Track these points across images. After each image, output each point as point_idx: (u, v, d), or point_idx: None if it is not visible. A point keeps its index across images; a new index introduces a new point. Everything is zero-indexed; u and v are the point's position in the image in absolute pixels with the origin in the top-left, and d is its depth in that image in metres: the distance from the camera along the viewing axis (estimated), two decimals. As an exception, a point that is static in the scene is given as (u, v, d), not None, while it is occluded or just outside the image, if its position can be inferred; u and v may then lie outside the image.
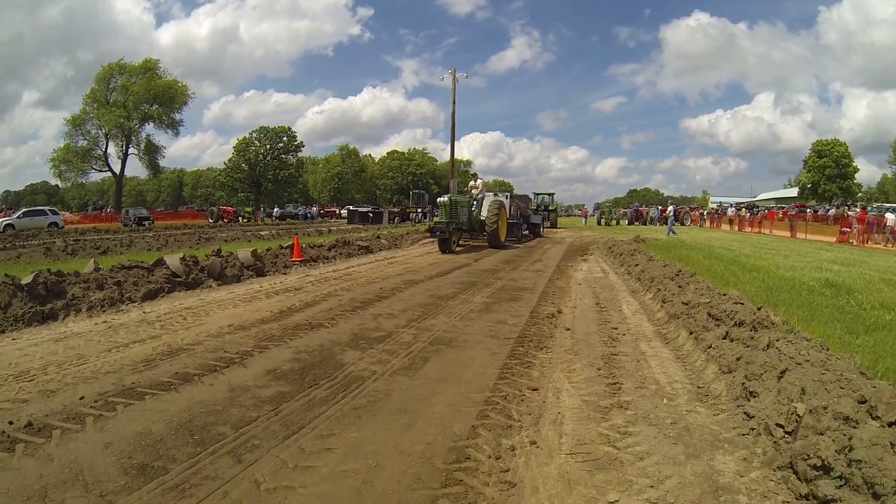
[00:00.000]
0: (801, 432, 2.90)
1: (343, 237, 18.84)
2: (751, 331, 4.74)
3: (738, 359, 4.26)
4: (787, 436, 3.01)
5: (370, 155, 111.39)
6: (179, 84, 73.12)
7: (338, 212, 70.63)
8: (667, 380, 4.59)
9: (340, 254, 15.02)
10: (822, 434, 2.76)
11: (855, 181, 73.19)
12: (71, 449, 3.23)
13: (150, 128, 72.66)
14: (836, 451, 2.59)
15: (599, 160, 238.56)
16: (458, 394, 4.23)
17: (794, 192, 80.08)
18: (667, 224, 33.49)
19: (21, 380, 4.56)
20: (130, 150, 71.84)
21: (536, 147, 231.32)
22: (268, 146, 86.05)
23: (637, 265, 11.61)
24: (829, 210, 48.82)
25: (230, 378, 4.52)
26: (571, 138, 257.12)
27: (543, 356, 5.36)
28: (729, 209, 60.55)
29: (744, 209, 57.03)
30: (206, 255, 10.76)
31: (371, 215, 48.82)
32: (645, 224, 53.20)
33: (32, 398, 4.10)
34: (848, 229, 26.97)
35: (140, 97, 68.82)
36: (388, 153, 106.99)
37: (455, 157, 46.68)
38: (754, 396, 3.62)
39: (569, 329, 6.53)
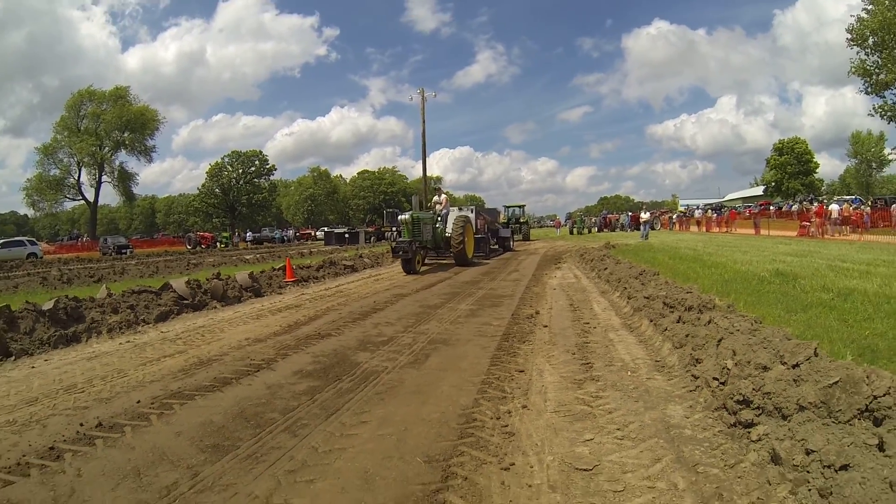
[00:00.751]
0: (729, 381, 3.79)
1: (329, 258, 19.63)
2: (698, 313, 5.70)
3: (686, 335, 5.20)
4: (721, 385, 3.89)
5: (341, 175, 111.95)
6: (150, 110, 72.97)
7: (313, 234, 71.12)
8: (630, 358, 5.49)
9: (328, 273, 15.86)
10: (744, 379, 3.64)
11: (817, 176, 75.05)
12: (146, 439, 3.90)
13: (122, 155, 72.51)
14: (753, 388, 3.46)
15: (569, 170, 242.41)
16: (458, 378, 5.07)
17: (759, 190, 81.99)
18: (640, 229, 34.57)
19: (72, 392, 5.19)
20: (104, 178, 71.52)
21: (506, 160, 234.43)
22: (240, 170, 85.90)
23: (606, 269, 12.60)
24: (792, 206, 50.31)
25: (264, 379, 5.29)
26: (540, 150, 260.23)
27: (526, 347, 6.24)
28: (696, 211, 62.16)
29: (709, 211, 58.59)
30: (207, 279, 11.45)
31: (347, 236, 49.41)
32: (614, 230, 54.35)
33: (91, 405, 4.74)
34: (807, 223, 28.18)
35: (111, 124, 68.79)
36: (358, 173, 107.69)
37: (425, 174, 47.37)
38: (699, 362, 4.51)
39: (546, 326, 7.42)
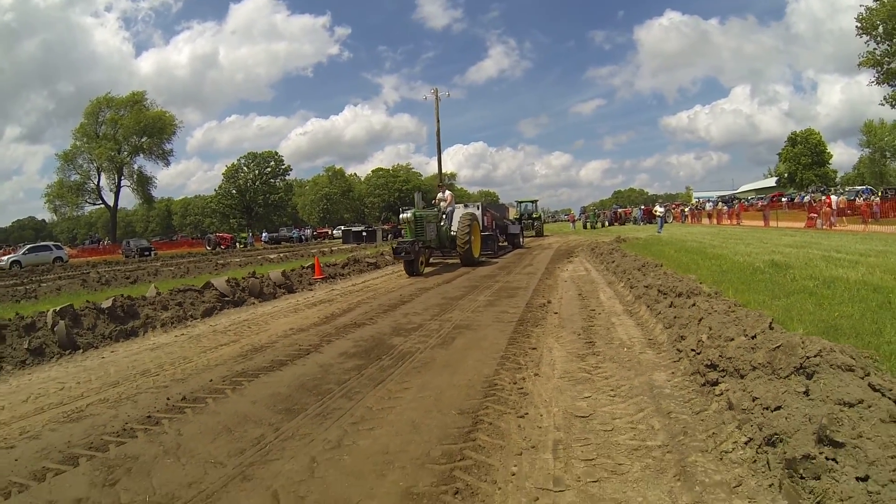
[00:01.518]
0: (703, 350, 4.65)
1: (352, 256, 20.56)
2: (686, 298, 6.56)
3: (675, 317, 6.08)
4: (696, 354, 4.76)
5: (356, 174, 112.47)
6: (167, 114, 74.10)
7: (330, 232, 72.04)
8: (627, 337, 6.39)
9: (353, 270, 16.85)
10: (714, 348, 4.51)
11: (831, 167, 75.02)
12: (228, 407, 4.79)
13: (140, 159, 73.60)
14: (719, 355, 4.33)
15: (583, 163, 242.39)
16: (481, 355, 5.99)
17: (773, 181, 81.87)
18: (651, 223, 35.11)
19: (148, 375, 6.08)
20: (123, 182, 72.68)
21: (520, 155, 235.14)
22: (256, 171, 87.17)
23: (614, 262, 13.51)
24: (804, 197, 50.55)
25: (314, 360, 6.21)
26: (554, 144, 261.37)
27: (538, 330, 7.16)
28: (707, 204, 62.54)
29: (720, 203, 58.98)
30: (243, 278, 12.42)
31: (365, 234, 50.21)
32: (623, 224, 54.73)
33: (170, 385, 5.62)
34: (815, 215, 28.73)
35: (129, 129, 69.88)
36: (373, 171, 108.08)
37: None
38: (683, 339, 5.38)
39: (556, 313, 8.33)
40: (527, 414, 4.17)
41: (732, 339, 4.47)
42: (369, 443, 3.77)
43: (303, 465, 3.47)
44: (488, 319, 8.16)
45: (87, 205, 75.28)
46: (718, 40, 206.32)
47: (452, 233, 18.17)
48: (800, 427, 2.97)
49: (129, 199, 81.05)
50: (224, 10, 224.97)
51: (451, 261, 19.19)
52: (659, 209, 39.04)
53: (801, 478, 2.67)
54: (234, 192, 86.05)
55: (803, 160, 72.11)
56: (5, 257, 40.24)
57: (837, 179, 77.52)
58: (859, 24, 43.51)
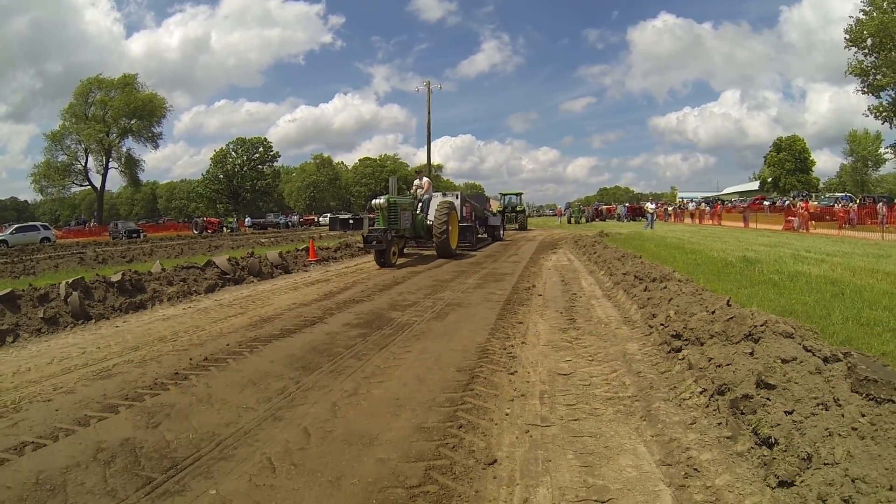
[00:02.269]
0: (670, 324, 5.31)
1: (343, 241, 21.08)
2: (659, 282, 7.23)
3: (648, 299, 6.76)
4: (664, 327, 5.42)
5: (343, 162, 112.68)
6: (158, 97, 74.12)
7: (316, 219, 72.42)
8: (605, 316, 7.07)
9: (345, 254, 17.54)
10: (679, 322, 5.17)
11: (813, 174, 76.30)
12: (248, 365, 5.34)
13: (129, 141, 73.70)
14: (683, 327, 4.98)
15: (570, 160, 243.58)
16: (473, 327, 6.64)
17: (756, 185, 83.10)
18: (634, 220, 35.79)
19: (166, 341, 6.56)
20: (111, 165, 72.75)
21: (507, 149, 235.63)
22: (245, 157, 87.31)
23: (596, 253, 14.22)
24: (785, 202, 51.54)
25: (321, 329, 6.80)
26: (542, 139, 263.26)
27: (524, 309, 7.82)
28: (690, 204, 63.56)
29: (703, 204, 60.01)
30: (242, 257, 12.95)
31: (352, 222, 50.58)
32: (604, 220, 55.56)
33: (189, 348, 6.13)
34: (793, 218, 29.63)
35: (119, 111, 69.94)
36: (360, 160, 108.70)
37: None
38: (654, 316, 6.03)
39: (541, 295, 8.99)
40: (516, 372, 4.82)
41: (695, 315, 5.14)
42: (381, 392, 4.38)
43: (325, 408, 4.05)
44: (478, 299, 8.80)
45: (74, 186, 75.13)
46: (711, 44, 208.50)
47: (429, 222, 17.25)
48: (744, 378, 3.60)
49: (113, 182, 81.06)
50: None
51: (426, 252, 18.45)
52: (650, 206, 39.76)
53: (742, 413, 3.33)
54: (221, 176, 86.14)
55: (787, 166, 73.42)
56: (-6, 236, 40.32)
57: (820, 186, 78.80)
58: (848, 37, 44.45)
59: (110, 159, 72.45)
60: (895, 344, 4.58)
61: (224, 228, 59.75)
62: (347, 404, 4.12)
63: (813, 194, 60.49)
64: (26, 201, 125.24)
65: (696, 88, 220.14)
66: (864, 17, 43.30)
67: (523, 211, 44.34)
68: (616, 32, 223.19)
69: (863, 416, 2.78)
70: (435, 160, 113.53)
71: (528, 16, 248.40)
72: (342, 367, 5.13)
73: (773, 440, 2.95)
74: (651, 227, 32.16)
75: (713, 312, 4.93)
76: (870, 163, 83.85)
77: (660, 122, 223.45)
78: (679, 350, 4.81)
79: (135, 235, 48.13)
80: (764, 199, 61.40)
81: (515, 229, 39.28)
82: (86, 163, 72.08)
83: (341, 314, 7.76)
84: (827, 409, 2.96)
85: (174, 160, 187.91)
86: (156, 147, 77.13)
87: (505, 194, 46.32)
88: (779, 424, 3.02)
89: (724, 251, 13.92)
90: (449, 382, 4.55)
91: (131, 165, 74.30)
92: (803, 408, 3.05)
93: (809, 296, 7.08)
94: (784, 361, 3.55)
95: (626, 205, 67.29)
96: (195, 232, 55.74)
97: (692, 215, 49.18)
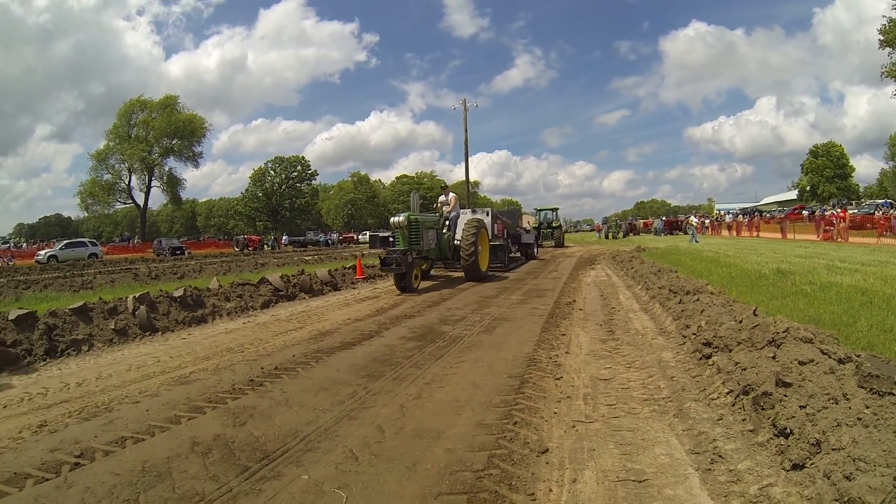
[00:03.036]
0: (701, 333, 5.80)
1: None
2: (693, 295, 7.70)
3: (682, 311, 7.23)
4: (696, 336, 5.90)
5: (380, 180, 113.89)
6: (198, 117, 76.54)
7: (355, 237, 73.34)
8: (642, 328, 7.56)
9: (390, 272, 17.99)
10: (709, 331, 5.65)
11: (853, 180, 74.74)
12: (317, 374, 5.92)
13: (171, 161, 76.22)
14: (712, 335, 5.47)
15: (606, 174, 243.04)
16: (520, 339, 7.19)
17: (794, 194, 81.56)
18: (671, 234, 35.62)
19: (234, 352, 7.15)
20: (153, 183, 75.36)
21: (543, 164, 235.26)
22: (283, 175, 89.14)
23: (633, 268, 14.69)
24: (824, 210, 50.73)
25: (379, 342, 7.40)
26: (577, 153, 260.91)
27: (566, 322, 8.35)
28: (727, 216, 62.97)
29: (740, 216, 59.42)
30: (293, 275, 13.66)
31: (391, 239, 51.24)
32: (637, 234, 55.31)
33: (257, 359, 6.70)
34: (830, 227, 29.46)
35: (161, 132, 72.72)
36: (397, 177, 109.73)
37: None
38: (688, 327, 6.52)
39: (581, 309, 9.50)
40: (561, 377, 5.36)
41: (724, 324, 5.63)
42: (443, 395, 4.95)
43: (394, 409, 4.62)
44: (522, 314, 9.35)
45: (118, 204, 77.92)
46: (744, 51, 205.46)
47: (456, 241, 15.79)
48: (766, 379, 4.08)
49: (154, 200, 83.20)
50: (254, 16, 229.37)
51: (455, 274, 17.29)
52: (694, 220, 39.55)
53: (762, 409, 3.82)
54: (260, 195, 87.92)
55: (826, 173, 72.06)
56: (42, 252, 41.97)
57: (861, 192, 77.29)
58: (882, 38, 43.88)
59: (153, 178, 74.98)
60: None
61: (265, 246, 61.02)
62: (414, 406, 4.69)
63: (854, 201, 59.60)
64: (70, 218, 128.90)
65: (730, 96, 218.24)
66: (897, 16, 42.69)
67: (560, 227, 42.42)
68: (648, 43, 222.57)
69: (867, 407, 3.24)
70: (472, 177, 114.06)
71: (559, 29, 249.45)
72: (404, 374, 5.71)
73: (789, 431, 3.43)
74: (696, 241, 31.73)
75: (741, 321, 5.42)
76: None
77: (695, 133, 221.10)
78: (709, 357, 5.29)
79: (178, 252, 49.69)
80: (803, 208, 60.54)
81: (552, 246, 38.47)
82: (129, 181, 74.79)
83: (396, 328, 8.36)
84: (836, 403, 3.42)
85: (213, 178, 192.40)
86: (196, 166, 79.83)
87: (540, 210, 44.81)
88: (793, 417, 3.49)
89: (759, 263, 14.17)
90: (502, 387, 5.10)
91: (173, 184, 76.96)
92: (816, 402, 3.52)
93: (838, 305, 7.39)
94: (802, 363, 4.02)
95: (663, 218, 67.12)
96: (236, 249, 57.07)
97: (729, 227, 48.80)
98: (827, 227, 29.69)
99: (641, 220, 71.42)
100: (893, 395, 3.27)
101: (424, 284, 15.01)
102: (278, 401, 4.99)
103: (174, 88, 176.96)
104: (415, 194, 17.08)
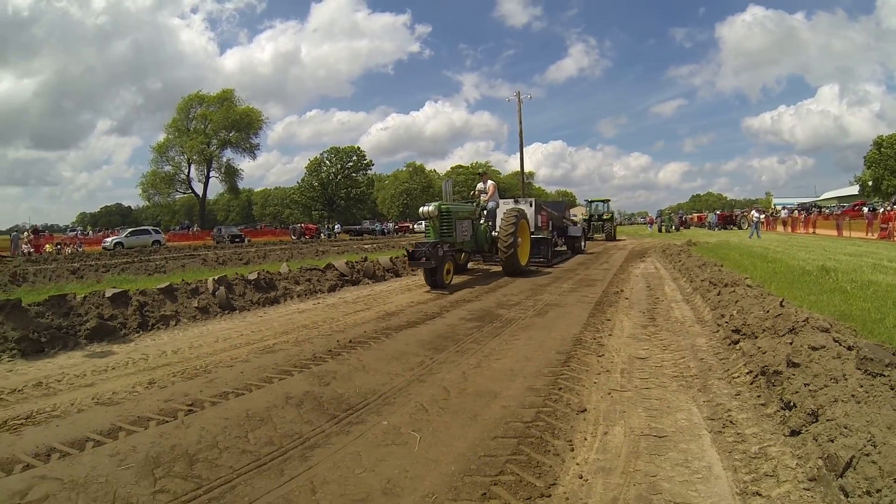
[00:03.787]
0: (732, 321, 6.44)
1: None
2: (730, 287, 8.29)
3: (719, 302, 7.85)
4: (728, 324, 6.54)
5: (435, 170, 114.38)
6: (255, 110, 78.32)
7: (411, 226, 74.36)
8: (682, 316, 8.22)
9: (448, 260, 18.82)
10: (738, 319, 6.29)
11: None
12: (388, 346, 6.77)
13: (228, 152, 78.16)
14: (741, 323, 6.12)
15: (662, 165, 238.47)
16: (569, 322, 7.96)
17: (856, 189, 78.45)
18: (725, 228, 35.13)
19: (309, 328, 8.02)
20: (211, 174, 77.56)
21: (598, 155, 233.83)
22: (339, 165, 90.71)
23: (681, 262, 15.29)
24: (873, 207, 48.98)
25: (441, 322, 8.24)
26: (633, 144, 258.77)
27: (612, 309, 9.05)
28: (783, 212, 61.55)
29: (796, 211, 58.09)
30: (357, 261, 14.56)
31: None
32: (688, 228, 54.72)
33: (332, 334, 7.56)
34: (886, 225, 28.83)
35: (218, 124, 74.62)
36: (452, 167, 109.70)
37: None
38: (723, 316, 7.15)
39: (627, 298, 10.18)
40: (603, 355, 6.11)
41: (753, 313, 6.26)
42: (499, 365, 5.75)
43: (457, 375, 5.44)
44: (572, 301, 10.11)
45: (178, 193, 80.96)
46: (805, 36, 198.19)
47: (494, 233, 15.01)
48: (781, 362, 4.73)
49: (211, 189, 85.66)
50: (306, 10, 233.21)
51: (494, 267, 16.25)
52: (755, 214, 39.03)
53: (773, 385, 4.50)
54: (315, 184, 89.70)
55: (890, 164, 68.24)
56: (109, 238, 44.03)
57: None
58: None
59: (211, 168, 77.54)
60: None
61: (321, 234, 62.57)
62: (474, 373, 5.50)
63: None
64: (129, 207, 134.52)
65: (790, 85, 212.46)
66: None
67: (611, 219, 41.26)
68: (704, 30, 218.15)
69: (861, 386, 3.87)
70: (527, 167, 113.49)
71: (612, 17, 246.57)
72: (465, 348, 6.52)
73: (793, 404, 4.09)
74: (758, 236, 31.45)
75: (767, 311, 6.05)
76: None
77: (753, 123, 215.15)
78: (737, 342, 5.95)
79: (237, 240, 51.55)
80: (864, 204, 58.54)
81: (601, 239, 37.87)
82: (188, 172, 77.47)
83: (456, 311, 9.19)
84: (837, 382, 4.05)
85: (268, 168, 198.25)
86: (253, 157, 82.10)
87: (592, 201, 44.31)
88: (797, 392, 4.15)
89: (805, 260, 14.45)
90: (550, 360, 5.87)
91: (231, 174, 79.12)
92: (819, 381, 4.15)
93: (872, 302, 7.80)
94: (813, 349, 4.64)
95: (717, 212, 66.28)
96: (293, 237, 58.53)
97: (784, 223, 48.00)
98: (882, 225, 29.13)
99: (695, 214, 70.49)
100: (884, 376, 3.90)
101: (473, 274, 15.47)
102: (356, 367, 5.82)
103: (229, 82, 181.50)
104: (447, 182, 16.22)
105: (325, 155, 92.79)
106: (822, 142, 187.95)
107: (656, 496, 3.08)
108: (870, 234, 29.84)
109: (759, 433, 3.94)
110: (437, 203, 13.30)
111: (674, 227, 55.27)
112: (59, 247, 41.24)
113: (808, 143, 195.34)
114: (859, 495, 2.76)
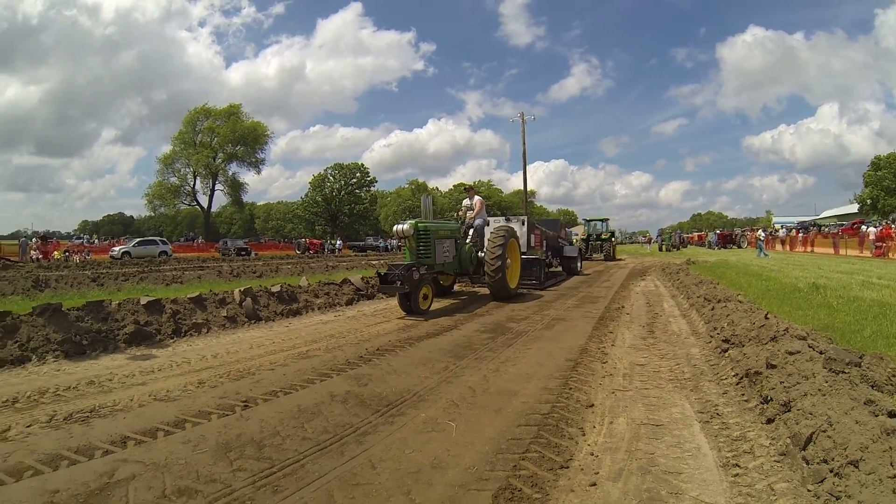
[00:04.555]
0: (722, 333, 7.19)
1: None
2: (723, 303, 9.05)
3: (712, 316, 8.60)
4: (719, 335, 7.28)
5: (437, 188, 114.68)
6: (261, 125, 79.33)
7: (413, 243, 74.86)
8: (678, 329, 8.97)
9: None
10: (728, 330, 7.03)
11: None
12: (413, 353, 7.45)
13: (233, 166, 79.16)
14: (731, 334, 6.86)
15: (663, 184, 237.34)
16: (575, 334, 8.70)
17: (855, 208, 78.68)
18: (725, 247, 35.64)
19: (335, 337, 8.60)
20: (216, 186, 78.64)
21: (600, 174, 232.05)
22: (342, 181, 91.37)
23: (679, 280, 16.04)
24: (867, 226, 49.36)
25: (458, 333, 8.96)
26: (634, 163, 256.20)
27: (614, 324, 9.80)
28: (781, 230, 62.10)
29: (794, 230, 58.59)
30: (370, 276, 15.11)
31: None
32: (686, 247, 55.27)
33: (358, 343, 8.13)
34: (881, 243, 29.57)
35: (225, 138, 75.55)
36: (454, 185, 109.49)
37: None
38: (715, 328, 7.89)
39: (628, 314, 10.92)
40: (606, 362, 6.87)
41: (741, 325, 7.01)
42: (515, 370, 6.50)
43: (479, 377, 6.16)
44: (577, 315, 10.85)
45: (183, 205, 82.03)
46: (805, 56, 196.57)
47: (481, 254, 13.66)
48: (762, 364, 5.46)
49: (215, 202, 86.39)
50: (312, 26, 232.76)
51: (482, 290, 15.00)
52: (762, 234, 39.59)
53: (754, 383, 5.24)
54: (319, 199, 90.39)
55: (887, 183, 68.32)
56: (117, 248, 44.69)
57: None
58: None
59: (216, 181, 78.65)
60: None
61: (325, 249, 63.17)
62: (494, 376, 6.22)
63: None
64: (132, 216, 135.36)
65: (790, 104, 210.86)
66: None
67: (610, 239, 40.15)
68: (705, 50, 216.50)
69: (826, 382, 4.60)
70: (529, 186, 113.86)
71: (615, 37, 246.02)
72: (483, 356, 7.25)
73: (770, 398, 4.82)
74: (766, 255, 31.54)
75: (754, 323, 6.79)
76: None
77: (754, 142, 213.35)
78: (727, 350, 6.69)
79: (243, 253, 52.15)
80: (862, 222, 58.82)
81: (600, 258, 37.35)
82: (194, 184, 78.62)
83: (469, 323, 9.92)
84: (807, 380, 4.79)
85: (270, 182, 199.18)
86: (258, 172, 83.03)
87: (590, 220, 43.34)
88: (774, 388, 4.89)
89: (798, 278, 15.07)
90: (560, 366, 6.61)
91: (236, 188, 80.00)
92: (792, 379, 4.89)
93: (854, 316, 8.41)
94: (790, 353, 5.38)
95: (717, 231, 67.01)
96: (298, 251, 59.02)
97: (783, 242, 48.59)
98: (878, 244, 29.79)
99: (695, 233, 71.16)
100: (845, 373, 4.64)
101: (457, 297, 14.72)
102: (388, 371, 6.49)
103: (234, 95, 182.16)
104: (426, 198, 15.30)
105: (329, 171, 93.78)
106: (823, 160, 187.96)
107: (654, 468, 3.80)
108: (863, 251, 30.43)
109: (741, 422, 4.64)
110: (413, 221, 12.27)
111: (674, 247, 55.73)
112: (66, 254, 41.90)
113: (809, 162, 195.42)
114: (817, 462, 3.47)
